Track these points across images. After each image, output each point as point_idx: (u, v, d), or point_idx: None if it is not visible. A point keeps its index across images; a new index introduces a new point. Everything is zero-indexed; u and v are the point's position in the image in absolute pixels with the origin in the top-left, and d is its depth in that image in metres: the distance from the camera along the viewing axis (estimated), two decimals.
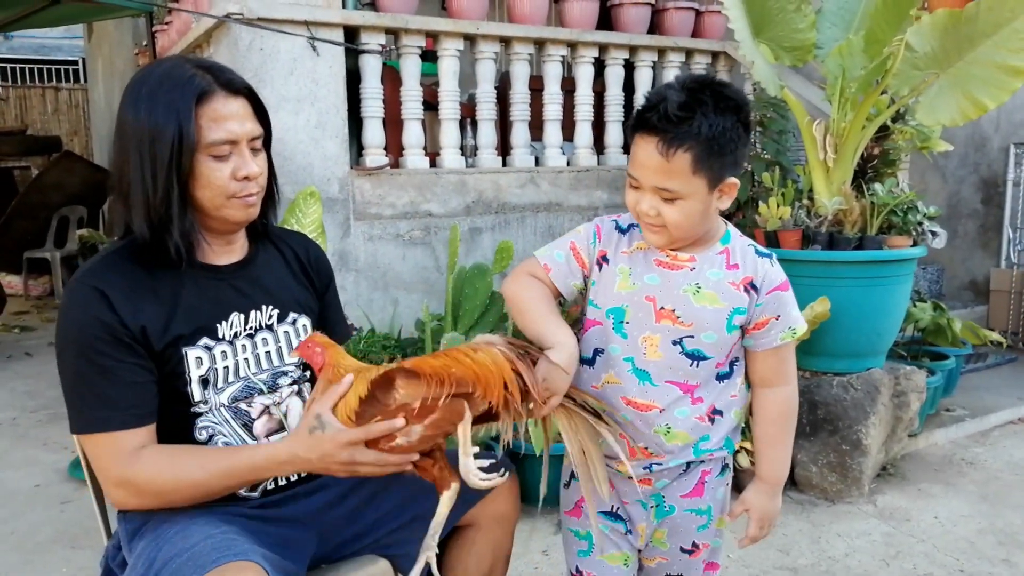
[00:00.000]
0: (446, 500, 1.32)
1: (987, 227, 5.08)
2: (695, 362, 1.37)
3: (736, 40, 2.93)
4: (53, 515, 2.85)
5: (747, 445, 3.00)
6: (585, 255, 1.44)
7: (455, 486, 1.31)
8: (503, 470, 1.31)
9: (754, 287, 1.37)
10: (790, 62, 3.19)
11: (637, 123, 1.30)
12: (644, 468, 1.42)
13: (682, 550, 1.49)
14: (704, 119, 1.24)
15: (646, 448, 1.40)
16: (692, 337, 1.36)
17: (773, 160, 3.52)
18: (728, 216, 3.52)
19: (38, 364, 4.99)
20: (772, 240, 3.01)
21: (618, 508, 1.49)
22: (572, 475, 1.54)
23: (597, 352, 1.42)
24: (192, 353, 1.36)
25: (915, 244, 2.99)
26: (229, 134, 1.31)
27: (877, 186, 3.04)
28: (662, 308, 1.36)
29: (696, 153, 1.25)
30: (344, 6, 3.37)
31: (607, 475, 1.39)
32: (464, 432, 1.27)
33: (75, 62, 14.92)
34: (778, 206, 3.03)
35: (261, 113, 1.40)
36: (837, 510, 2.86)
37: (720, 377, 1.40)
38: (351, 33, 3.35)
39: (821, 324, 2.82)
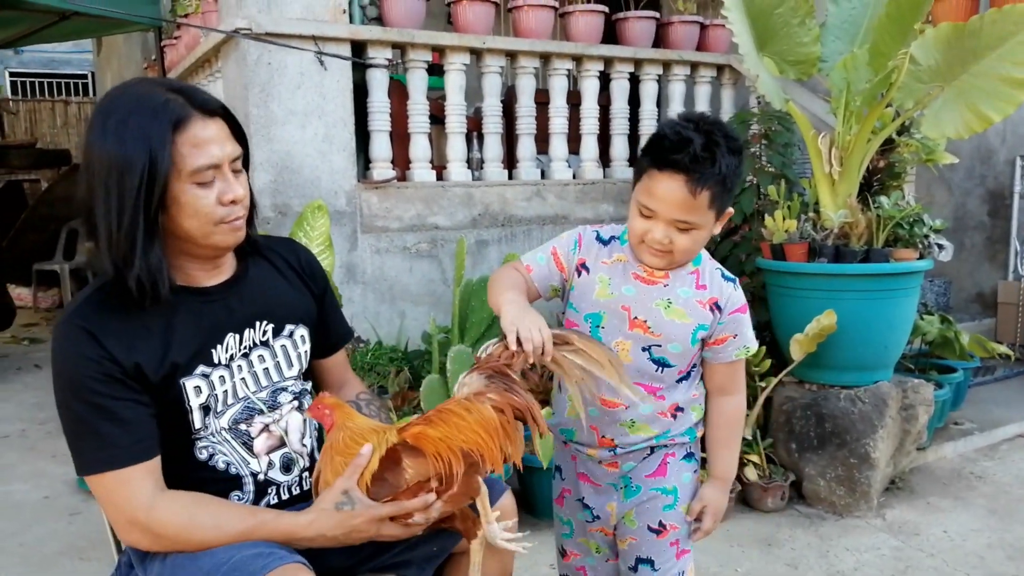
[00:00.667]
0: (476, 547, 1.38)
1: (994, 239, 5.07)
2: (660, 368, 1.51)
3: (740, 54, 2.94)
4: (61, 527, 2.85)
5: (754, 458, 2.99)
6: (564, 260, 1.57)
7: (482, 533, 1.36)
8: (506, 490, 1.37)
9: (718, 307, 1.52)
10: (795, 75, 3.20)
11: (661, 161, 1.39)
12: (609, 452, 1.57)
13: (649, 529, 1.59)
14: (722, 159, 1.38)
15: (612, 439, 1.55)
16: (659, 346, 1.50)
17: (779, 173, 3.53)
18: (734, 230, 3.55)
19: (47, 376, 4.98)
20: (778, 253, 3.01)
21: (586, 498, 1.63)
22: (557, 468, 1.70)
23: None
24: (190, 384, 1.34)
25: (921, 257, 2.98)
26: (212, 159, 1.27)
27: (883, 199, 3.04)
28: (635, 318, 1.50)
29: (714, 191, 1.39)
30: (351, 21, 3.39)
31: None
32: (483, 503, 1.36)
33: (84, 76, 15.05)
34: (784, 219, 3.04)
35: (237, 132, 1.35)
36: (845, 524, 2.85)
37: (679, 380, 1.55)
38: (358, 47, 3.37)
39: (828, 337, 2.82)
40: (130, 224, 1.23)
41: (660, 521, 1.58)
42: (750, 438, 3.02)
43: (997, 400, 4.07)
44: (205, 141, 1.27)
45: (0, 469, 3.45)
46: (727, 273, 1.56)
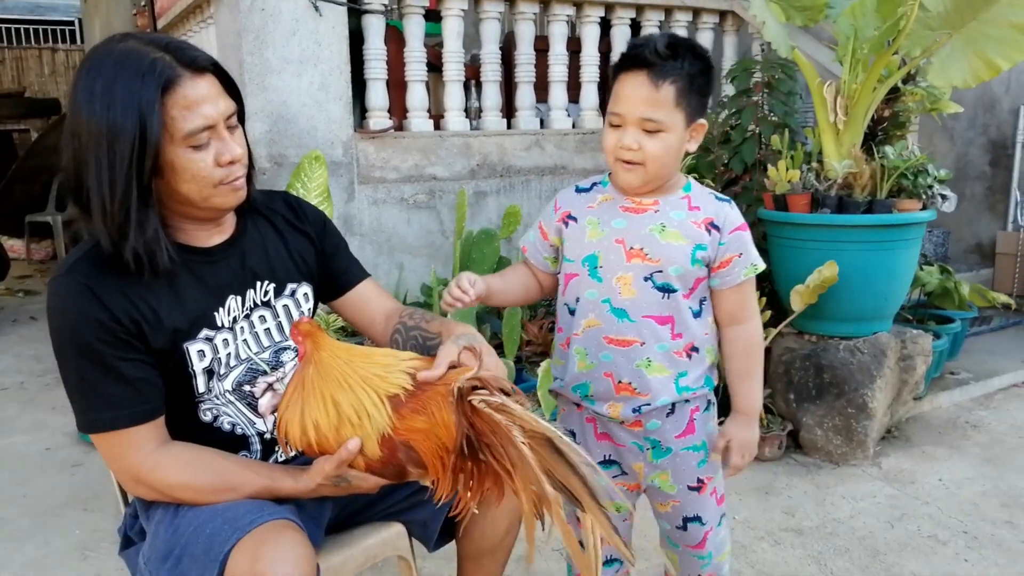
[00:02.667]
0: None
1: (995, 189, 5.05)
2: (665, 294, 1.49)
3: None
4: (64, 479, 2.87)
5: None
6: (547, 228, 1.59)
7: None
8: None
9: (716, 227, 1.49)
10: (801, 22, 3.13)
11: (625, 61, 1.43)
12: (633, 411, 1.52)
13: (689, 488, 1.59)
14: (685, 57, 1.40)
15: (630, 383, 1.50)
16: (661, 272, 1.47)
17: (781, 122, 3.48)
18: (735, 179, 3.51)
19: (43, 328, 4.98)
20: (781, 204, 2.98)
21: (610, 455, 1.60)
22: (571, 433, 1.61)
23: (577, 301, 1.54)
24: (193, 348, 1.31)
25: (925, 208, 2.96)
26: (205, 120, 1.21)
27: (888, 149, 3.01)
28: (631, 248, 1.48)
29: (680, 87, 1.40)
30: None
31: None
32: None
33: (71, 22, 14.72)
34: (787, 169, 3.01)
35: (229, 86, 1.29)
36: (842, 472, 2.88)
37: (694, 315, 1.51)
38: None
39: (829, 288, 2.81)
40: (123, 194, 1.19)
41: (697, 478, 1.58)
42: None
43: (993, 350, 4.09)
44: (196, 101, 1.21)
45: (0, 421, 3.46)
46: (721, 195, 1.54)
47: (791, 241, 2.96)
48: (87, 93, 1.19)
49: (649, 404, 1.50)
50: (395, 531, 1.53)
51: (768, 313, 2.99)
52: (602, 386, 1.52)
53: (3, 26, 14.85)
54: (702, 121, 1.47)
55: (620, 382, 1.51)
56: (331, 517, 1.49)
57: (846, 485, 2.78)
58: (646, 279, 1.47)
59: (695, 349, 1.51)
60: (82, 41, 12.17)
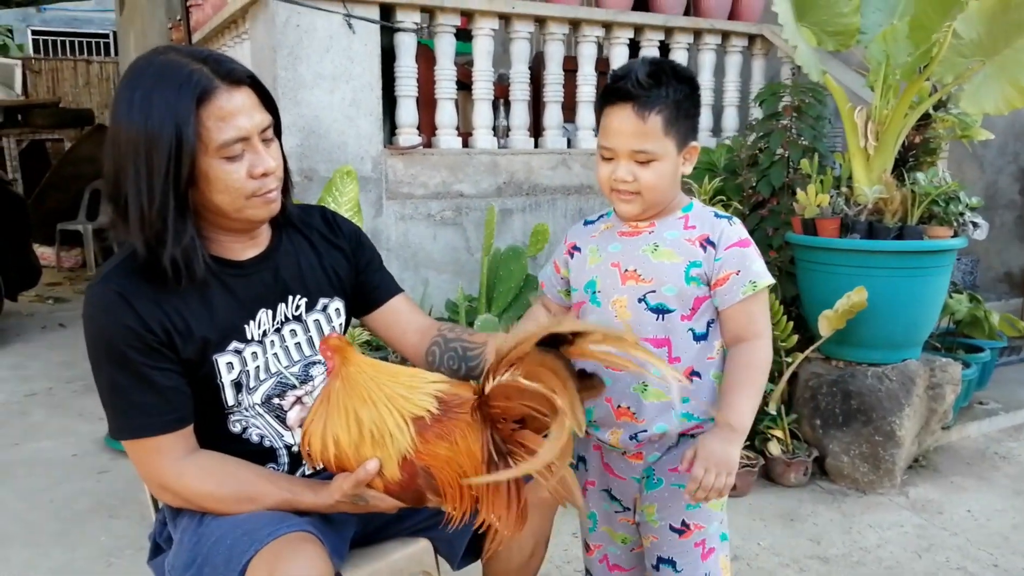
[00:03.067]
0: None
1: None
2: (660, 316, 1.45)
3: (779, 24, 2.88)
4: (91, 485, 2.90)
5: (778, 433, 2.99)
6: (560, 262, 1.62)
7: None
8: None
9: (711, 243, 1.45)
10: (833, 47, 3.13)
11: (609, 94, 1.42)
12: (630, 438, 1.48)
13: (672, 528, 1.50)
14: (669, 84, 1.39)
15: (628, 408, 1.47)
16: (654, 292, 1.45)
17: (810, 146, 3.47)
18: (762, 202, 3.50)
19: (72, 335, 5.06)
20: (810, 228, 2.97)
21: (612, 489, 1.58)
22: (580, 459, 1.63)
23: None
24: (223, 360, 1.33)
25: (955, 235, 2.94)
26: (239, 131, 1.23)
27: (919, 175, 2.99)
28: (626, 270, 1.47)
29: (666, 115, 1.39)
30: None
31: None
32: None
33: (106, 35, 15.03)
34: (817, 193, 2.99)
35: (266, 100, 1.31)
36: (868, 501, 2.84)
37: (697, 338, 1.46)
38: (386, 11, 3.33)
39: (858, 314, 2.79)
40: (161, 202, 1.21)
41: (683, 520, 1.50)
42: (774, 413, 3.01)
43: (1022, 380, 4.03)
44: (231, 113, 1.23)
45: (29, 427, 3.50)
46: (721, 212, 1.50)
47: (820, 266, 2.94)
48: (127, 103, 1.22)
49: (646, 431, 1.47)
50: (421, 547, 1.53)
51: (795, 338, 2.97)
52: (603, 411, 1.50)
53: (40, 38, 15.17)
54: (695, 144, 1.46)
55: (619, 407, 1.48)
56: (357, 531, 1.49)
57: (873, 514, 2.74)
58: (640, 300, 1.45)
59: (696, 373, 1.46)
60: (116, 54, 12.41)
